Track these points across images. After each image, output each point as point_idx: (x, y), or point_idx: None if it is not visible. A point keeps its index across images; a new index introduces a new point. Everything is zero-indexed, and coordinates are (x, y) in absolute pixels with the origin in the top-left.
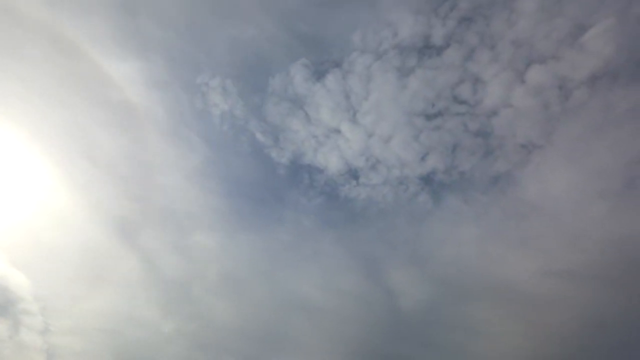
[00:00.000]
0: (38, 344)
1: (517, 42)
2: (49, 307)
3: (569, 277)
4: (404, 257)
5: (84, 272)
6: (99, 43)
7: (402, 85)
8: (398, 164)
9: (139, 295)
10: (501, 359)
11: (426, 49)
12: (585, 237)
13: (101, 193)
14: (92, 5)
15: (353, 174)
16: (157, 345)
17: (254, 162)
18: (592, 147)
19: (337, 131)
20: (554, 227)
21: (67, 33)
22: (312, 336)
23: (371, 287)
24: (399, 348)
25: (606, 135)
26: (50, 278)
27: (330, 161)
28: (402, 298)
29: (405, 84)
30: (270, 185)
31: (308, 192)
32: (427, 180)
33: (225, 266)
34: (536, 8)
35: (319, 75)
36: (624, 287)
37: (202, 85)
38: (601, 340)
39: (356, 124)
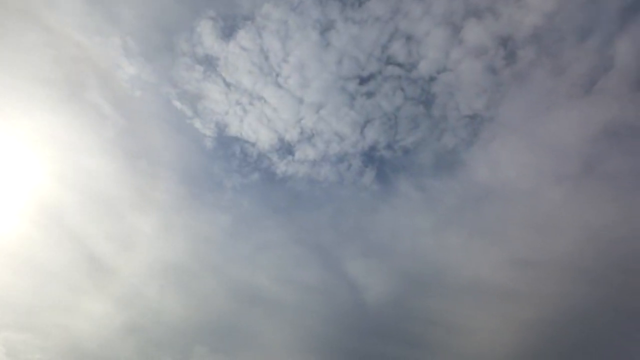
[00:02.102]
0: None
1: None
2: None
3: (536, 266)
4: (360, 247)
5: (24, 264)
6: None
7: (325, 43)
8: (335, 137)
9: (84, 287)
10: (473, 352)
11: None
12: (546, 224)
13: (25, 178)
14: None
15: (287, 148)
16: (111, 341)
17: (178, 135)
18: (544, 121)
19: (261, 98)
20: (511, 214)
21: None
22: (274, 331)
23: (331, 280)
24: (366, 343)
25: (558, 106)
26: None
27: (260, 133)
28: (365, 292)
29: (328, 42)
30: (200, 160)
31: (242, 169)
32: (369, 156)
33: (167, 254)
34: None
35: (229, 31)
36: (593, 275)
37: (100, 45)
38: (574, 330)
39: (281, 89)
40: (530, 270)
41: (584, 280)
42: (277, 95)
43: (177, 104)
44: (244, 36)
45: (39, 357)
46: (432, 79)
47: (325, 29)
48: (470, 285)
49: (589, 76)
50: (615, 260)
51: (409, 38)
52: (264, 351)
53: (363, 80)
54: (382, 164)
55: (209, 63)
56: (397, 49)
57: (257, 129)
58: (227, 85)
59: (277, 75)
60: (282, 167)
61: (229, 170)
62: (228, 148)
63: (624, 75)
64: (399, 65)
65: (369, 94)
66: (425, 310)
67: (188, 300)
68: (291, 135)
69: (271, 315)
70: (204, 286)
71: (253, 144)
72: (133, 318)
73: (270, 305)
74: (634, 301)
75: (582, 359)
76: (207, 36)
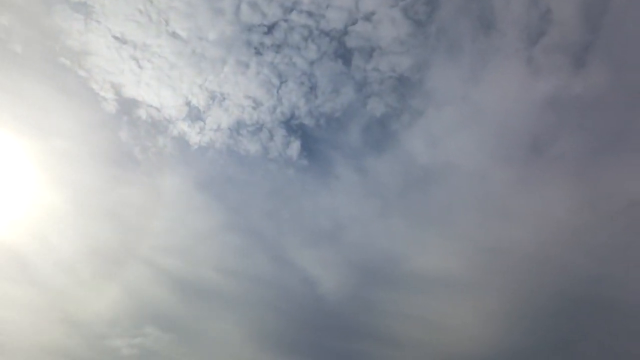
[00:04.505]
0: None
1: None
2: None
3: (498, 255)
4: (303, 235)
5: None
6: None
7: None
8: (249, 101)
9: (8, 277)
10: (441, 345)
11: None
12: (500, 210)
13: None
14: None
15: (196, 114)
16: (55, 334)
17: (73, 97)
18: (481, 88)
19: (155, 53)
20: (459, 198)
21: None
22: (224, 325)
23: (280, 272)
24: (326, 338)
25: (495, 70)
26: None
27: (163, 96)
28: (319, 284)
29: None
30: (104, 128)
31: (152, 137)
32: (289, 125)
33: (90, 242)
34: None
35: None
36: (559, 263)
37: None
38: (542, 321)
39: (175, 41)
40: (489, 259)
41: (551, 269)
42: (172, 49)
43: (65, 61)
44: None
45: None
46: (345, 32)
47: None
48: (426, 275)
49: (526, 34)
50: (582, 248)
51: None
52: (216, 347)
53: (267, 29)
54: (306, 135)
55: (87, 11)
56: None
57: (158, 91)
58: (115, 38)
59: (166, 23)
60: (194, 136)
61: (138, 138)
62: (132, 113)
63: (564, 35)
64: (307, 13)
65: (278, 47)
66: (384, 303)
67: (123, 292)
68: (198, 99)
69: (220, 309)
70: (137, 277)
71: (158, 109)
72: (70, 310)
73: (217, 298)
74: (605, 290)
75: (553, 350)
76: None
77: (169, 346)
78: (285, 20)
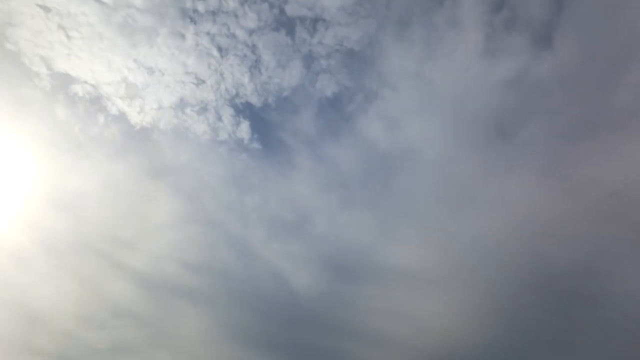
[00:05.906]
0: None
1: None
2: None
3: (473, 248)
4: (268, 228)
5: None
6: None
7: None
8: (191, 77)
9: None
10: (418, 342)
11: None
12: (473, 200)
13: None
14: None
15: (135, 91)
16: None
17: (2, 73)
18: (436, 66)
19: (86, 24)
20: (426, 186)
21: None
22: (196, 322)
23: (250, 266)
24: (302, 334)
25: (453, 48)
26: None
27: (97, 71)
28: (292, 280)
29: None
30: (40, 105)
31: (91, 117)
32: (237, 105)
33: (41, 233)
34: None
35: None
36: (539, 258)
37: None
38: (524, 318)
39: (103, 7)
40: (463, 252)
41: (528, 262)
42: (100, 17)
43: None
44: None
45: None
46: (285, 2)
47: None
48: (398, 268)
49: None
50: (561, 240)
51: None
52: (185, 347)
53: None
54: (255, 116)
55: None
56: None
57: (92, 65)
58: (39, 6)
59: None
60: (135, 116)
61: (77, 117)
62: (67, 90)
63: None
64: None
65: (213, 14)
66: (358, 298)
67: (84, 287)
68: (134, 74)
69: (190, 305)
70: (96, 271)
71: (94, 86)
72: (31, 305)
73: (182, 293)
74: (586, 284)
75: (534, 345)
76: None
77: (134, 341)
78: None
